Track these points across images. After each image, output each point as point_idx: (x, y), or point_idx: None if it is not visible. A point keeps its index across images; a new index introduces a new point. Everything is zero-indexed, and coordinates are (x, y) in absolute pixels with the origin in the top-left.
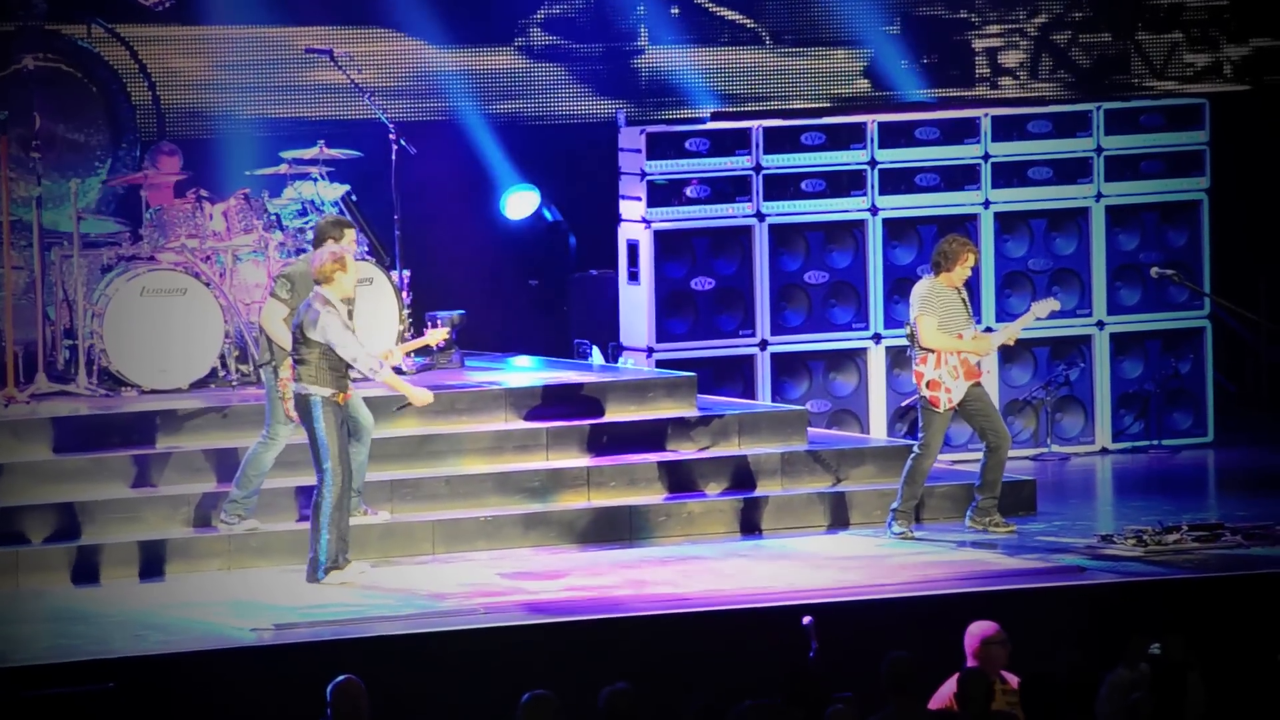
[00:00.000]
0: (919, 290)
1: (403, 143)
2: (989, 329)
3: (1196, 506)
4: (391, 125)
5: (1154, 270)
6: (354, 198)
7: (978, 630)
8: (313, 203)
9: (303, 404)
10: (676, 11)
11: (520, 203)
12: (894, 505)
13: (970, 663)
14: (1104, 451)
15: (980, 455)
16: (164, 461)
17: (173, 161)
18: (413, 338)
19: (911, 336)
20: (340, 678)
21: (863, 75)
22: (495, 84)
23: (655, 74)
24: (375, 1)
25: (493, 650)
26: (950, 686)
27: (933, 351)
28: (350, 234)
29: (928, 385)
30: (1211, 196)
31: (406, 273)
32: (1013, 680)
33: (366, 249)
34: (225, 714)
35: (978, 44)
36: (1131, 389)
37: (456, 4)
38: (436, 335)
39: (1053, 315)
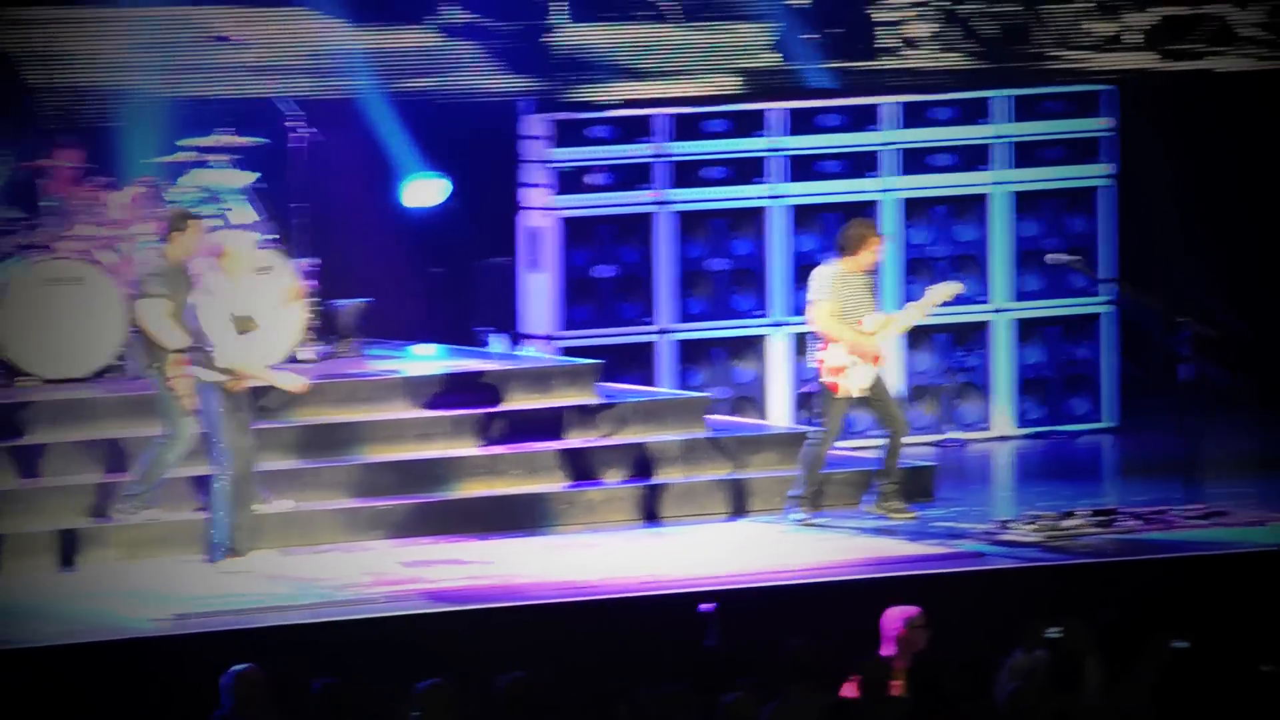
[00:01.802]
0: (821, 274)
1: (304, 129)
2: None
3: (1094, 492)
4: (294, 111)
5: (1049, 257)
6: (260, 185)
7: (898, 613)
8: (212, 189)
9: (198, 390)
10: None
11: (423, 191)
12: (793, 491)
13: (888, 647)
14: (1003, 437)
15: (880, 441)
16: (63, 451)
17: (72, 149)
18: (319, 329)
19: None
20: (239, 666)
21: (771, 49)
22: (405, 63)
23: (567, 52)
24: None
25: (392, 639)
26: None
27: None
28: (196, 225)
29: (830, 371)
30: (1113, 183)
31: (310, 261)
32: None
33: (271, 236)
34: (125, 705)
35: (883, 16)
36: (1031, 375)
37: None
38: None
39: (957, 299)
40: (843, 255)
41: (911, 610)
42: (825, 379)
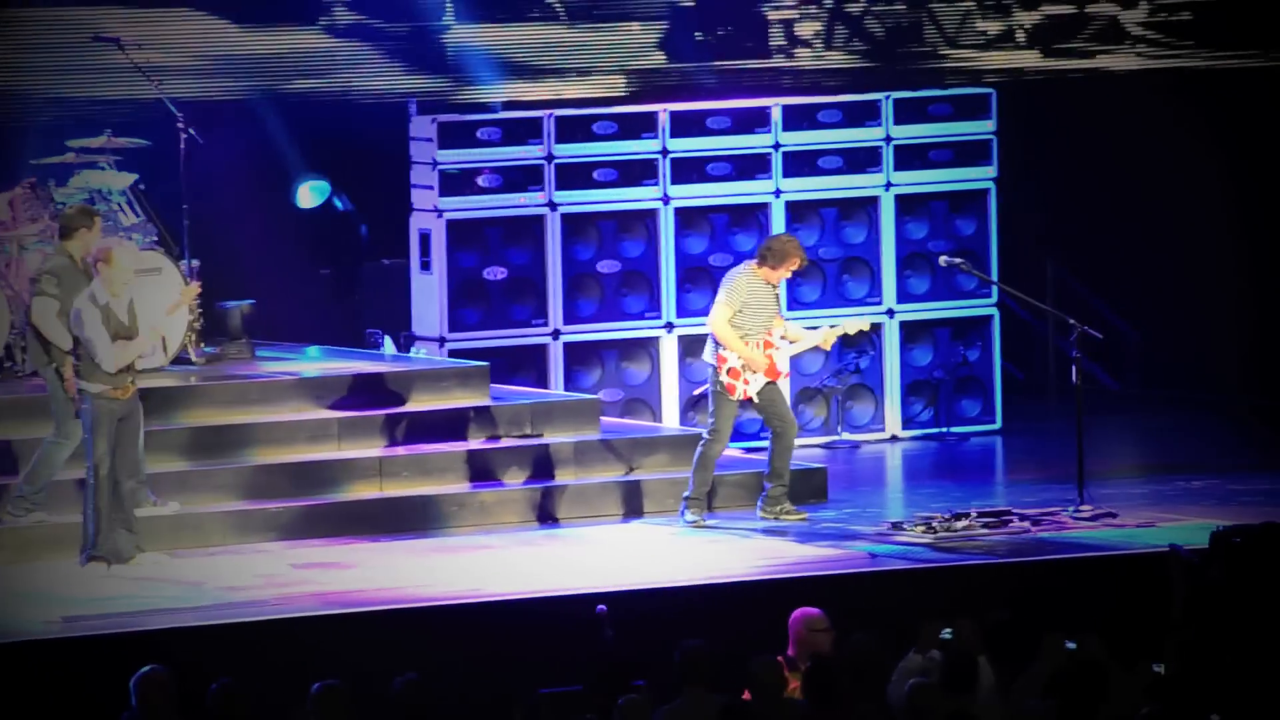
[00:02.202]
0: (731, 277)
1: (191, 131)
2: (813, 326)
3: (985, 493)
4: (180, 114)
5: (942, 259)
6: (142, 186)
7: (802, 615)
8: (101, 191)
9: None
10: None
11: (311, 192)
12: (686, 493)
13: (792, 649)
14: (894, 439)
15: (767, 443)
16: None
17: None
18: (201, 328)
19: None
20: (145, 668)
21: (658, 48)
22: (294, 65)
23: (457, 53)
24: None
25: (284, 641)
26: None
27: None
28: (98, 223)
29: (728, 372)
30: (999, 184)
31: (195, 262)
32: None
33: (155, 238)
34: (16, 708)
35: (773, 15)
36: (921, 377)
37: None
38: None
39: (850, 301)
40: (762, 263)
41: (813, 612)
42: (722, 379)
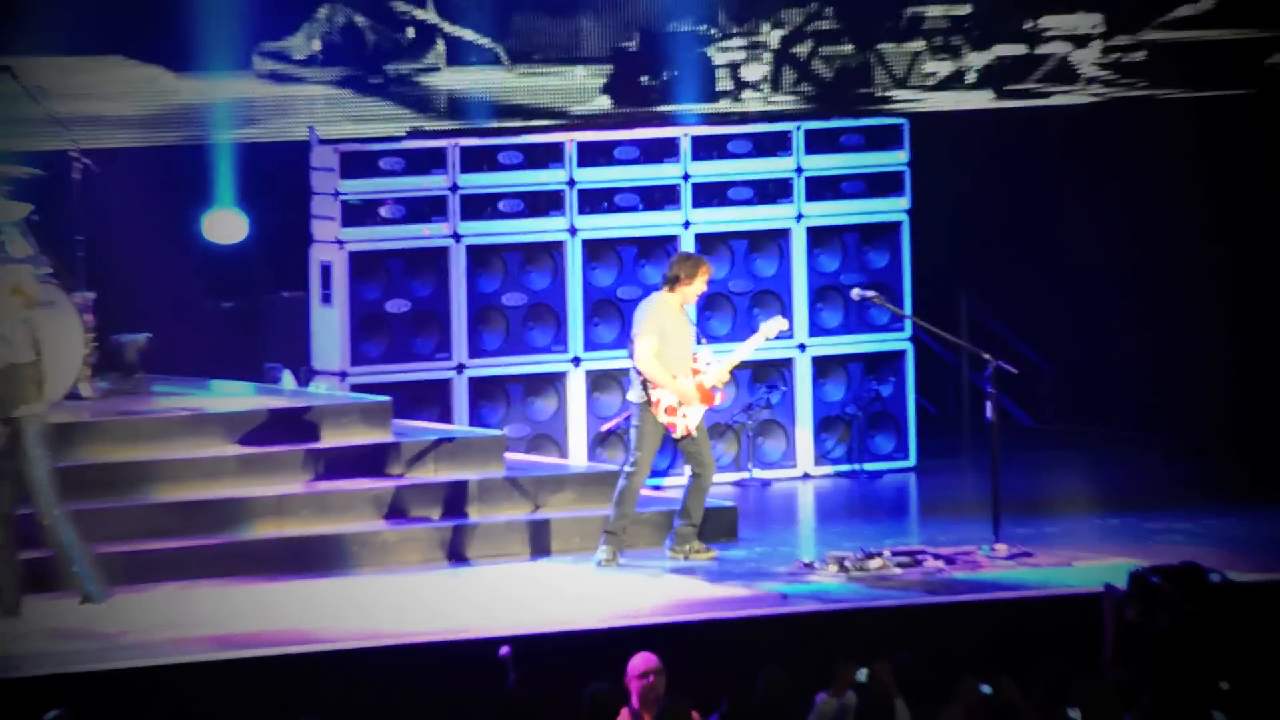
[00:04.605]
0: (644, 309)
1: (87, 161)
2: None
3: (898, 531)
4: (75, 143)
5: (855, 292)
6: (36, 217)
7: (638, 662)
8: None
9: None
10: (412, 34)
11: (224, 224)
12: (606, 526)
13: (633, 698)
14: (806, 476)
15: (684, 480)
16: None
17: None
18: (95, 362)
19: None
20: (50, 714)
21: (602, 92)
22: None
23: (398, 96)
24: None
25: (179, 686)
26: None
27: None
28: None
29: (665, 411)
30: (911, 217)
31: (90, 294)
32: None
33: (49, 270)
34: None
35: (720, 58)
36: (833, 412)
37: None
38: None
39: (780, 335)
40: (673, 287)
41: (648, 658)
42: (662, 419)
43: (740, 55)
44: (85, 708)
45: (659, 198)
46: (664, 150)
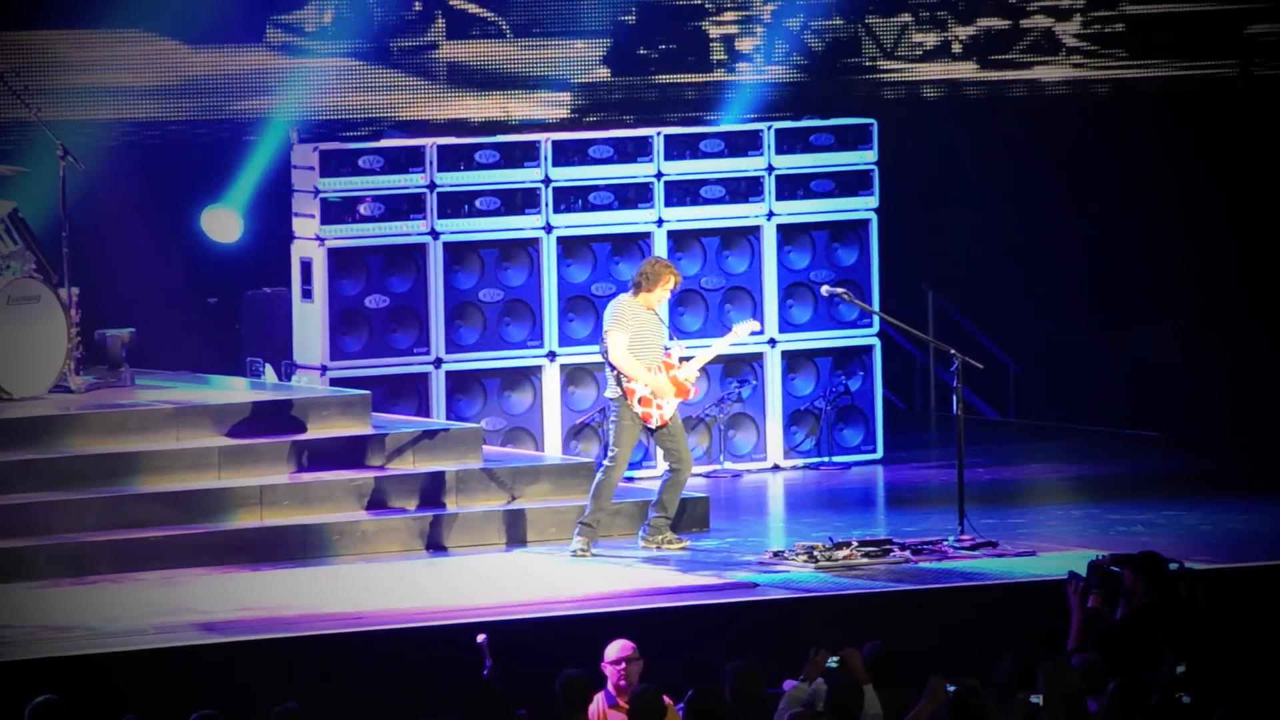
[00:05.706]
0: (614, 307)
1: (72, 157)
2: (683, 357)
3: (866, 522)
4: (59, 139)
5: (824, 288)
6: (20, 214)
7: (615, 649)
8: None
9: None
10: (419, 6)
11: (222, 222)
12: (582, 517)
13: (609, 683)
14: (776, 468)
15: (658, 473)
16: None
17: None
18: (80, 357)
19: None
20: (39, 698)
21: (601, 64)
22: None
23: (400, 71)
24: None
25: (164, 670)
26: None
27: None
28: None
29: (639, 402)
30: (880, 215)
31: (75, 290)
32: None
33: (34, 266)
34: None
35: (714, 31)
36: (803, 406)
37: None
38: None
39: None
40: (637, 292)
41: (626, 645)
42: (637, 410)
43: (734, 28)
44: (73, 692)
45: (633, 196)
46: (638, 149)
